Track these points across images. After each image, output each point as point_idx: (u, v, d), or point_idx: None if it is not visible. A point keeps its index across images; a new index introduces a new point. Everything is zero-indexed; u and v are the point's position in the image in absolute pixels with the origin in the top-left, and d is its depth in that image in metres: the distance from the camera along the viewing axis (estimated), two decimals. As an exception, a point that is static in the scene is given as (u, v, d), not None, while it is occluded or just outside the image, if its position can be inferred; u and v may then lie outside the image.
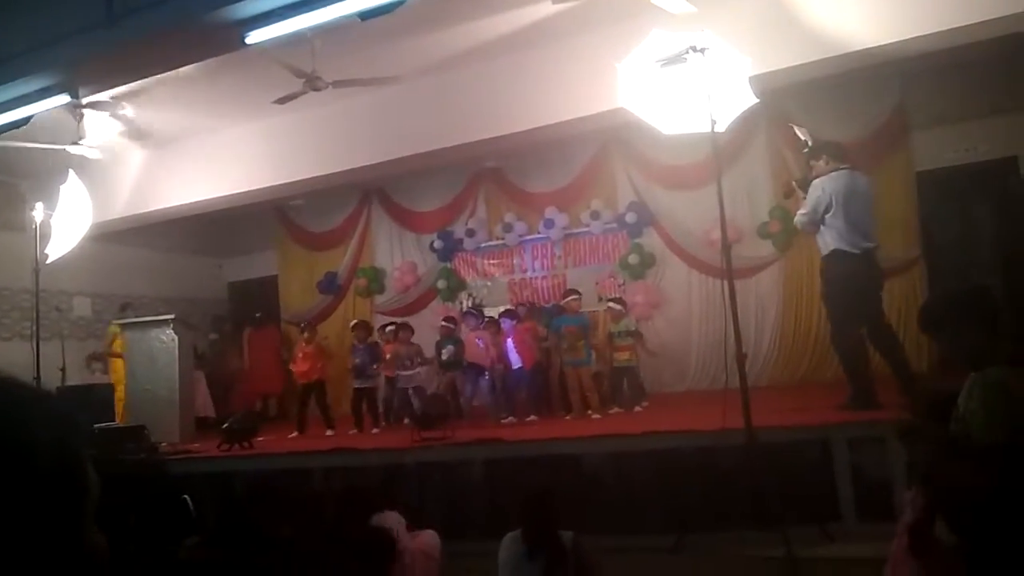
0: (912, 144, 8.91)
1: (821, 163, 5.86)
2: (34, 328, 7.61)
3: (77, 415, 0.65)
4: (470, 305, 10.54)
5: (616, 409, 7.74)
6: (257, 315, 11.85)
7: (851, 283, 5.74)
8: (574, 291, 8.41)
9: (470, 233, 11.11)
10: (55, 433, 0.60)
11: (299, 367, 8.74)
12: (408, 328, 8.96)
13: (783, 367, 9.30)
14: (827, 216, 5.69)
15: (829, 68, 6.63)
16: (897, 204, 8.67)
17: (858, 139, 8.68)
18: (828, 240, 5.76)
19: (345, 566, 2.98)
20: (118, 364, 9.50)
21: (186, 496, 2.80)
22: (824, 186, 5.71)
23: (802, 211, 5.89)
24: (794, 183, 6.32)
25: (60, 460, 0.59)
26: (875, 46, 6.21)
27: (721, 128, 4.83)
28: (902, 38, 6.09)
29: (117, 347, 9.49)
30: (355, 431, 8.22)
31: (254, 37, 5.15)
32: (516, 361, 8.04)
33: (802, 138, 6.21)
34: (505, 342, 8.16)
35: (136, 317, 9.69)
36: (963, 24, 5.86)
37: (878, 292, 5.94)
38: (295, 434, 8.29)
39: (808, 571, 4.39)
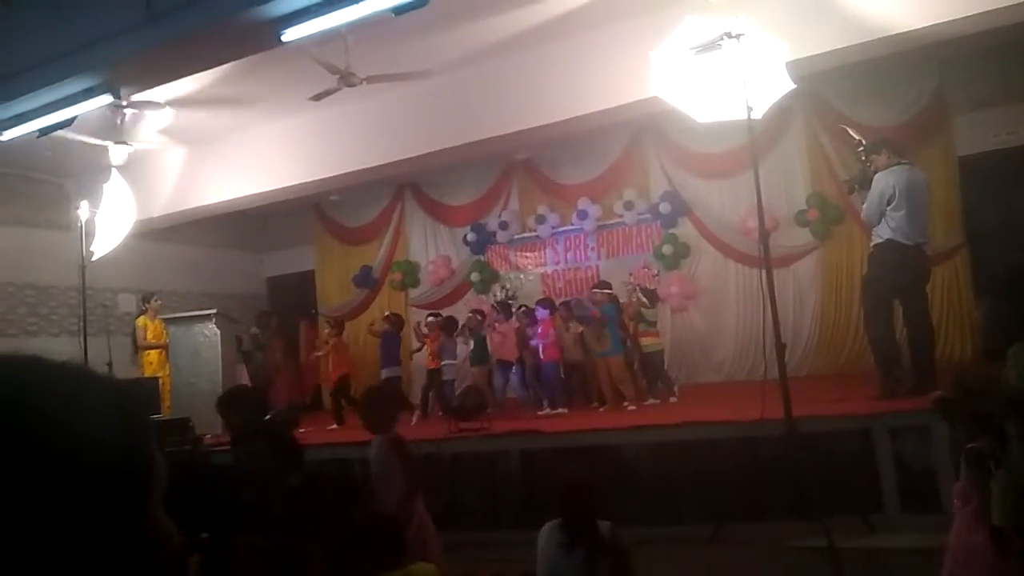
0: (953, 129, 8.72)
1: (883, 157, 5.93)
2: (81, 324, 7.83)
3: (143, 402, 0.67)
4: (499, 299, 10.56)
5: (652, 400, 7.71)
6: (313, 311, 12.23)
7: (900, 274, 5.80)
8: (603, 283, 8.38)
9: (503, 226, 11.13)
10: (126, 418, 0.62)
11: (324, 362, 8.99)
12: (454, 320, 9.06)
13: (823, 356, 9.19)
14: (888, 208, 5.77)
15: (867, 52, 6.51)
16: (939, 190, 8.46)
17: (897, 124, 8.52)
18: (883, 231, 5.82)
19: (355, 555, 2.98)
20: (152, 356, 9.58)
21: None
22: (887, 179, 5.79)
23: (865, 205, 5.98)
24: (853, 182, 6.37)
25: (130, 445, 0.61)
26: (913, 29, 6.08)
27: (757, 115, 4.77)
28: (940, 20, 5.96)
29: (150, 338, 9.54)
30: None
31: (290, 34, 5.22)
32: (541, 353, 8.08)
33: (856, 137, 6.28)
34: (535, 334, 8.19)
35: (160, 306, 9.74)
36: (1002, 5, 5.71)
37: (924, 287, 6.03)
38: (334, 426, 8.42)
39: (849, 562, 4.34)
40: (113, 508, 0.57)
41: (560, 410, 7.78)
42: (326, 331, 9.45)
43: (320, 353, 9.47)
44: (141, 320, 9.76)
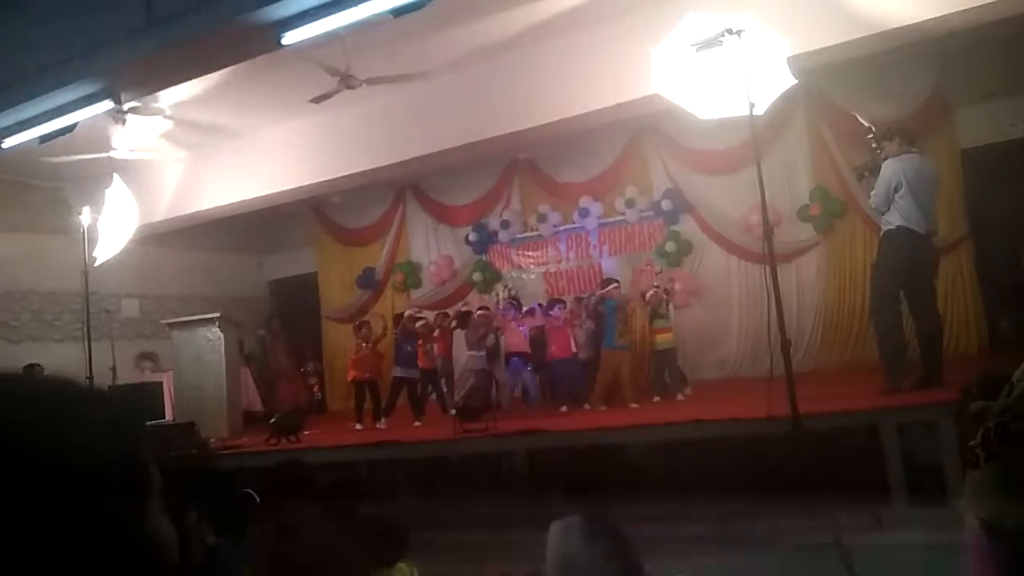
0: (956, 121, 8.70)
1: (893, 145, 5.90)
2: (85, 329, 7.82)
3: (136, 413, 0.66)
4: (507, 296, 10.52)
5: (657, 398, 7.70)
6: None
7: (908, 260, 5.77)
8: (612, 279, 8.39)
9: (505, 225, 11.12)
10: (118, 431, 0.61)
11: (354, 365, 8.86)
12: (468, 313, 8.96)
13: (828, 352, 9.17)
14: (896, 196, 5.74)
15: (868, 47, 6.50)
16: (942, 183, 8.44)
17: (899, 118, 8.46)
18: (893, 218, 5.78)
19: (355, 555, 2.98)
20: None
21: (250, 490, 2.85)
22: (895, 166, 5.76)
23: (874, 191, 5.95)
24: (863, 168, 6.35)
25: (124, 457, 0.60)
26: (914, 23, 6.08)
27: (759, 111, 4.76)
28: (940, 14, 5.96)
29: None
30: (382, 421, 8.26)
31: (290, 37, 5.21)
32: (568, 349, 8.01)
33: (865, 124, 6.26)
34: (557, 330, 8.15)
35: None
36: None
37: (932, 277, 6.02)
38: (358, 426, 8.35)
39: (859, 557, 4.33)
40: (111, 519, 0.56)
41: (584, 406, 7.72)
42: (361, 334, 9.13)
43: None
44: None
